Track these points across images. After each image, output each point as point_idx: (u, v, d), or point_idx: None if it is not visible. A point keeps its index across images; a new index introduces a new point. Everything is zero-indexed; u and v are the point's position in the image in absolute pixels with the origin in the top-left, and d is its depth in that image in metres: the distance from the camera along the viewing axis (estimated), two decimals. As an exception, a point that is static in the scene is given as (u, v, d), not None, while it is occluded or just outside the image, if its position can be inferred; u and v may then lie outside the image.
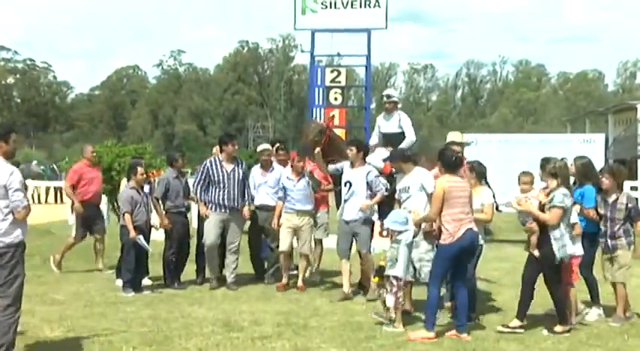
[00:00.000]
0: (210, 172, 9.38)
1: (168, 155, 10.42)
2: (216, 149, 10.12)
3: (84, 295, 8.83)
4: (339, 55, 15.92)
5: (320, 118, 14.60)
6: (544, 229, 7.08)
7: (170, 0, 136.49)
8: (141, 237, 9.03)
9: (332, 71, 14.94)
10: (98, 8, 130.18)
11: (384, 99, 10.06)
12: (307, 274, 9.71)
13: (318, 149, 9.21)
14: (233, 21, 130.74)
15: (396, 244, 7.35)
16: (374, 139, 10.16)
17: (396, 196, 8.08)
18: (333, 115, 14.66)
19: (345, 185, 8.76)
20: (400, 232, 7.35)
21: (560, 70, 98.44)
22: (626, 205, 7.61)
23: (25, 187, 5.76)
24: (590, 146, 15.02)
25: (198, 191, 9.42)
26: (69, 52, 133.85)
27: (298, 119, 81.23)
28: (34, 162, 34.50)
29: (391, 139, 9.69)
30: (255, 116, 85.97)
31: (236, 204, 9.38)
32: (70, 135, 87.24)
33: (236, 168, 9.43)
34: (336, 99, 14.74)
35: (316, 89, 14.79)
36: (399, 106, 10.17)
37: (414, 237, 7.50)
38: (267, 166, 10.01)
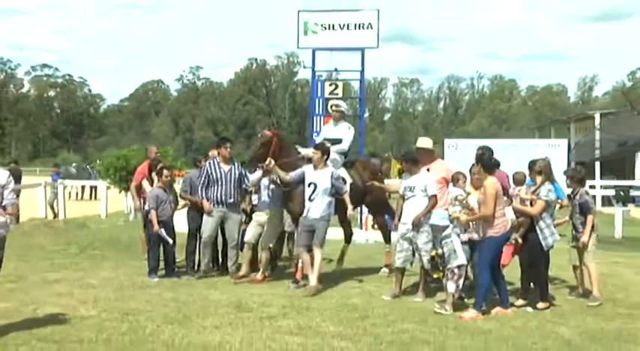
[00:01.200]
0: (210, 171, 9.18)
1: (193, 158, 10.69)
2: (211, 152, 9.99)
3: (115, 280, 8.81)
4: (336, 70, 15.83)
5: (320, 126, 14.59)
6: (532, 220, 7.30)
7: (190, 22, 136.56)
8: (162, 231, 9.02)
9: (330, 85, 14.88)
10: (126, 30, 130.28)
11: (333, 108, 9.58)
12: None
13: (268, 160, 8.43)
14: (244, 40, 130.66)
15: (448, 239, 7.34)
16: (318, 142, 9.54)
17: (400, 191, 8.00)
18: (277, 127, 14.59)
19: (310, 186, 8.28)
20: (445, 228, 7.39)
21: (529, 84, 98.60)
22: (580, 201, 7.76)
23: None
24: (555, 150, 15.03)
25: (200, 190, 9.20)
26: (102, 68, 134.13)
27: (301, 126, 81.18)
28: (73, 164, 34.36)
29: (330, 142, 9.04)
30: (263, 124, 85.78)
31: (233, 200, 9.14)
32: (102, 140, 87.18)
33: (232, 168, 9.19)
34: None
35: (317, 100, 14.74)
36: (346, 116, 9.78)
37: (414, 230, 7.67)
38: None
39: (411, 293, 7.95)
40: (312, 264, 8.16)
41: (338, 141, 9.26)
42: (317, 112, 14.72)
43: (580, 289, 7.96)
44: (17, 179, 18.47)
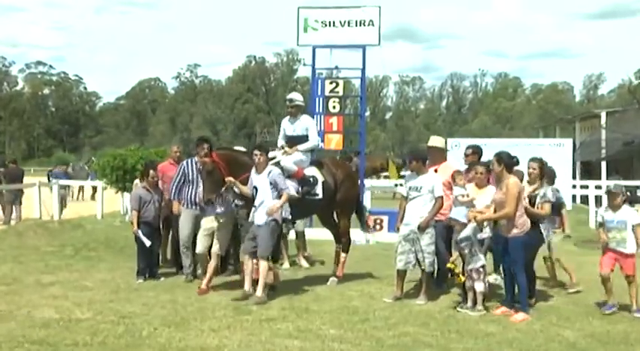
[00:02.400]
0: (186, 171, 9.11)
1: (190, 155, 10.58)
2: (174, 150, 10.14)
3: (110, 283, 8.80)
4: (337, 68, 15.82)
5: (320, 125, 14.58)
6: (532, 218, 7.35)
7: (188, 19, 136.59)
8: (140, 232, 8.95)
9: (331, 83, 14.86)
10: (123, 27, 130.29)
11: (287, 103, 9.20)
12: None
13: (228, 179, 7.98)
14: (242, 37, 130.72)
15: (467, 241, 7.35)
16: (280, 142, 9.21)
17: (404, 192, 7.96)
18: (332, 122, 14.62)
19: (253, 190, 7.96)
20: (465, 224, 7.37)
21: (534, 82, 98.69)
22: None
23: None
24: (560, 150, 15.03)
25: (173, 190, 9.10)
26: (98, 65, 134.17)
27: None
28: (71, 164, 34.28)
29: (297, 142, 8.93)
30: (263, 123, 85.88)
31: (210, 202, 8.77)
32: (98, 139, 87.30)
33: None
34: (334, 107, 14.66)
35: (317, 99, 14.71)
36: (302, 110, 9.35)
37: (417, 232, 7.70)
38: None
39: (413, 296, 7.94)
40: (256, 273, 7.80)
41: (302, 139, 8.98)
42: (317, 110, 14.69)
43: (552, 282, 8.63)
44: (17, 179, 18.58)
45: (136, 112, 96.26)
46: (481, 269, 7.36)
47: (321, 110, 14.60)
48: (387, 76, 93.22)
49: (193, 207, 9.04)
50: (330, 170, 9.09)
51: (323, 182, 8.85)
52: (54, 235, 13.58)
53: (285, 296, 7.99)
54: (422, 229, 7.68)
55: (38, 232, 13.80)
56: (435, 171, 8.14)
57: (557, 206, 8.12)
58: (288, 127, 9.21)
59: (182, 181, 9.12)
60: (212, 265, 8.36)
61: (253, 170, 8.07)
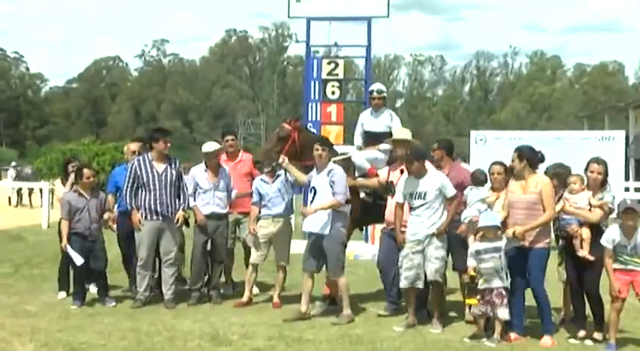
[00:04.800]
0: (139, 172, 8.98)
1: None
2: (127, 147, 9.86)
3: (58, 307, 8.80)
4: (336, 45, 15.91)
5: (316, 114, 14.60)
6: (593, 230, 7.35)
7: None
8: (68, 247, 8.92)
9: (329, 63, 14.92)
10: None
11: (374, 94, 9.64)
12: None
13: (282, 158, 8.62)
14: (221, 7, 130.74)
15: (496, 253, 7.36)
16: (358, 139, 9.71)
17: (400, 198, 8.01)
18: (330, 111, 14.65)
19: (311, 192, 8.41)
20: (497, 229, 7.38)
21: (577, 62, 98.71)
22: None
23: None
24: (609, 144, 14.98)
25: (128, 196, 9.02)
26: (43, 41, 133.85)
27: (292, 115, 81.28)
28: (13, 163, 34.28)
29: (379, 139, 9.28)
30: (246, 112, 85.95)
31: (169, 210, 8.99)
32: (44, 132, 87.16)
33: (168, 168, 9.02)
34: (333, 93, 14.73)
35: (312, 82, 14.77)
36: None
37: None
38: (214, 169, 9.37)
39: (427, 322, 7.97)
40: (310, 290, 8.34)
41: (384, 136, 9.24)
42: (312, 96, 14.74)
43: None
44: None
45: (90, 98, 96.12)
46: (503, 291, 7.37)
47: (317, 96, 14.66)
48: (398, 55, 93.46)
49: (154, 217, 8.99)
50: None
51: None
52: (-13, 250, 13.57)
53: (274, 323, 8.01)
54: (439, 235, 7.77)
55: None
56: (402, 172, 8.25)
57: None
58: (369, 121, 9.59)
59: (134, 185, 9.00)
60: (281, 277, 9.07)
61: (314, 171, 8.42)
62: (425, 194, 7.80)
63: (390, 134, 9.22)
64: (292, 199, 9.43)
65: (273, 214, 9.12)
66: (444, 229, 7.80)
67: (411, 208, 7.92)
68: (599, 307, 7.45)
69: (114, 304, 8.94)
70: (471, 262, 7.47)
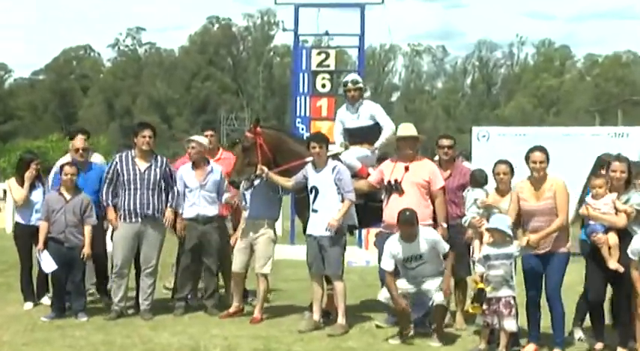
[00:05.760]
0: (119, 169, 9.00)
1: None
2: (72, 145, 9.69)
3: (24, 318, 8.79)
4: (327, 34, 15.91)
5: (305, 108, 14.61)
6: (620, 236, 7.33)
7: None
8: (43, 252, 8.88)
9: (319, 53, 14.95)
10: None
11: (349, 85, 9.31)
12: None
13: (260, 168, 8.56)
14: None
15: (507, 260, 7.38)
16: (338, 139, 9.43)
17: (389, 266, 7.89)
18: (320, 106, 14.67)
19: (311, 192, 8.45)
20: (511, 238, 7.39)
21: (588, 52, 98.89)
22: None
23: None
24: (622, 141, 15.06)
25: (105, 193, 9.03)
26: (6, 29, 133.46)
27: (280, 110, 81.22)
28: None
29: (364, 135, 9.16)
30: (229, 106, 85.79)
31: (152, 211, 8.97)
32: (8, 127, 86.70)
33: (153, 166, 9.03)
34: (323, 86, 14.76)
35: (301, 74, 14.81)
36: (367, 94, 9.67)
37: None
38: (201, 165, 9.36)
39: (426, 335, 7.98)
40: (331, 297, 8.53)
41: (370, 130, 9.16)
42: (301, 90, 14.79)
43: None
44: None
45: (59, 90, 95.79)
46: (512, 301, 7.40)
47: (306, 89, 14.70)
48: (394, 44, 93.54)
49: (132, 219, 8.99)
50: None
51: None
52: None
53: (259, 335, 8.02)
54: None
55: None
56: (407, 169, 8.26)
57: None
58: (347, 117, 9.39)
59: (114, 183, 9.04)
60: (262, 288, 8.92)
61: (310, 167, 8.42)
62: (420, 256, 7.83)
63: (376, 126, 9.14)
64: (279, 199, 9.26)
65: (253, 216, 9.00)
66: (447, 289, 7.84)
67: (407, 268, 7.92)
68: (625, 319, 7.37)
69: (86, 318, 8.87)
70: (479, 269, 7.48)
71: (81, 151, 9.54)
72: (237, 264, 9.05)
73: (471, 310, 7.68)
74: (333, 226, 8.22)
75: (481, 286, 7.37)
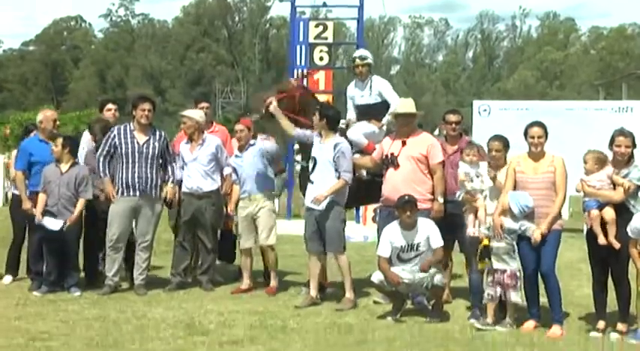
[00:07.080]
0: (117, 142, 8.99)
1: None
2: (43, 115, 9.58)
3: (15, 293, 8.83)
4: (325, 5, 15.91)
5: (302, 82, 14.60)
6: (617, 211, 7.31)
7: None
8: (44, 218, 8.89)
9: (317, 25, 14.92)
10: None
11: (357, 61, 9.39)
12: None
13: (270, 99, 8.78)
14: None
15: (509, 236, 7.46)
16: (351, 115, 9.53)
17: (385, 253, 7.96)
18: (318, 79, 14.66)
19: (311, 162, 8.60)
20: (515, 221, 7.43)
21: (593, 25, 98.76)
22: None
23: None
24: (626, 116, 15.01)
25: (101, 165, 9.00)
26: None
27: (276, 82, 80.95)
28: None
29: (371, 112, 9.25)
30: (224, 79, 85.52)
31: (149, 186, 9.00)
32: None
33: (151, 140, 9.05)
34: (321, 58, 14.74)
35: (298, 47, 14.78)
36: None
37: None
38: (195, 138, 9.37)
39: (423, 311, 8.05)
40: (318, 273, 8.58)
41: (379, 107, 9.22)
42: (298, 62, 14.76)
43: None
44: None
45: (50, 62, 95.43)
46: (518, 273, 7.52)
47: (303, 62, 14.68)
48: (393, 16, 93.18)
49: (130, 193, 9.00)
50: None
51: None
52: None
53: (255, 310, 8.08)
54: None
55: None
56: (404, 143, 8.31)
57: None
58: (356, 94, 9.45)
59: (110, 156, 9.04)
60: (271, 259, 9.16)
61: (317, 138, 8.50)
62: (417, 246, 7.89)
63: (384, 104, 9.22)
64: (274, 174, 9.40)
65: (249, 191, 9.10)
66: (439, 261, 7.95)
67: (400, 260, 7.96)
68: (625, 296, 7.41)
69: (79, 293, 8.93)
70: (484, 231, 7.58)
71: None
72: (245, 240, 9.19)
73: (479, 267, 7.75)
74: (318, 200, 8.31)
75: (486, 242, 7.52)
